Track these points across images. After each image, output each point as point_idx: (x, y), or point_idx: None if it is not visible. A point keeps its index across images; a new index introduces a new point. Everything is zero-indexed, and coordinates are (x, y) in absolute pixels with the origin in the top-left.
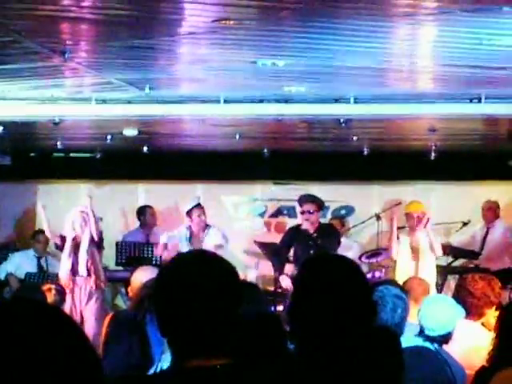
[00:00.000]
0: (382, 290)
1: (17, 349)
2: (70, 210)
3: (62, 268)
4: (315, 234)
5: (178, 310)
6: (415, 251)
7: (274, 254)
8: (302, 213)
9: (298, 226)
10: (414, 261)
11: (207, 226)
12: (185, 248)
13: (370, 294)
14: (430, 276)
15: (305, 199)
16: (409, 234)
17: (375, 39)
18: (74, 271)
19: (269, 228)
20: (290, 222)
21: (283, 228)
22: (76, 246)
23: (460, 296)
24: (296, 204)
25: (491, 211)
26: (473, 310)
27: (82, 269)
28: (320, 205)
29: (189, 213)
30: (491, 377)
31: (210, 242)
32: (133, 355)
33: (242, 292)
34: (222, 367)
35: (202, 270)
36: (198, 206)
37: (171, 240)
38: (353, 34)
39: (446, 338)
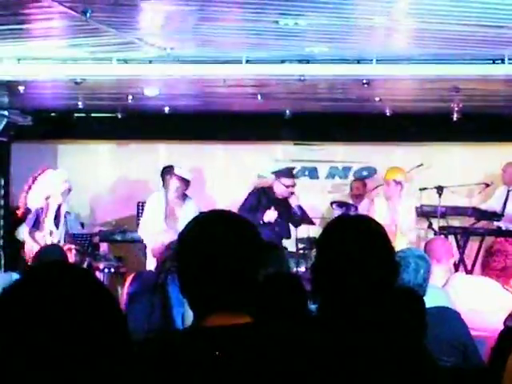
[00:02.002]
0: (404, 250)
1: (54, 311)
2: (90, 170)
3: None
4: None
5: (200, 267)
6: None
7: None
8: (288, 186)
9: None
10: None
11: (185, 196)
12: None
13: (393, 255)
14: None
15: (290, 174)
16: (387, 200)
17: None
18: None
19: None
20: (311, 183)
21: (304, 189)
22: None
23: (493, 257)
24: (317, 165)
25: (511, 173)
26: (506, 272)
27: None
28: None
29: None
30: None
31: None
32: (154, 315)
33: (263, 250)
34: (243, 326)
35: (224, 228)
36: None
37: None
38: None
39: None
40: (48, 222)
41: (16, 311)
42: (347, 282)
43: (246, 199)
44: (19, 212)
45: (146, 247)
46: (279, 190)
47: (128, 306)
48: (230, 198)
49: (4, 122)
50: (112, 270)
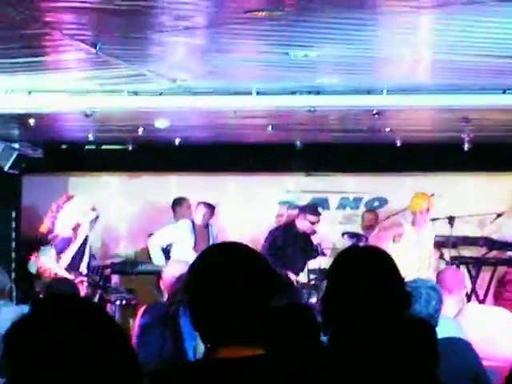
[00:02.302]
0: (416, 281)
1: (63, 344)
2: (101, 202)
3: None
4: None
5: (211, 301)
6: (419, 245)
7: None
8: (313, 223)
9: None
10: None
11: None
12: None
13: (404, 285)
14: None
15: (316, 211)
16: (414, 227)
17: (408, 30)
18: (73, 268)
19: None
20: (322, 214)
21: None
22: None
23: (505, 287)
24: (328, 196)
25: None
26: None
27: (83, 267)
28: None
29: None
30: None
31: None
32: (165, 348)
33: (274, 283)
34: (255, 358)
35: (234, 260)
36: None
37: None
38: (385, 25)
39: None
40: (69, 252)
41: (24, 345)
42: (358, 313)
43: (268, 239)
44: (41, 234)
45: (158, 280)
46: (303, 226)
47: (140, 338)
48: (241, 229)
49: (15, 155)
50: (123, 302)
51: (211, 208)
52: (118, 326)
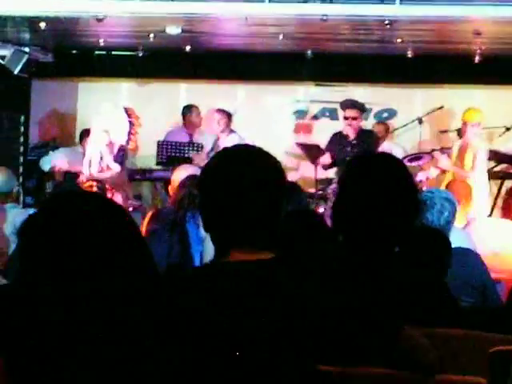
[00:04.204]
0: (432, 191)
1: (76, 238)
2: (109, 108)
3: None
4: (355, 141)
5: (223, 202)
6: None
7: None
8: (346, 118)
9: (340, 132)
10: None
11: (231, 131)
12: None
13: (415, 193)
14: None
15: (348, 104)
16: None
17: None
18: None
19: (310, 130)
20: (332, 124)
21: (325, 130)
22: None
23: None
24: (338, 106)
25: None
26: None
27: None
28: (362, 110)
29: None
30: None
31: None
32: (172, 253)
33: (286, 186)
34: (266, 261)
35: (248, 162)
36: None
37: None
38: None
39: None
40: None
41: (39, 240)
42: (367, 221)
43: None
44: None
45: (165, 185)
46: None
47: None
48: (249, 136)
49: (25, 59)
50: (131, 208)
51: (226, 114)
52: (131, 218)
